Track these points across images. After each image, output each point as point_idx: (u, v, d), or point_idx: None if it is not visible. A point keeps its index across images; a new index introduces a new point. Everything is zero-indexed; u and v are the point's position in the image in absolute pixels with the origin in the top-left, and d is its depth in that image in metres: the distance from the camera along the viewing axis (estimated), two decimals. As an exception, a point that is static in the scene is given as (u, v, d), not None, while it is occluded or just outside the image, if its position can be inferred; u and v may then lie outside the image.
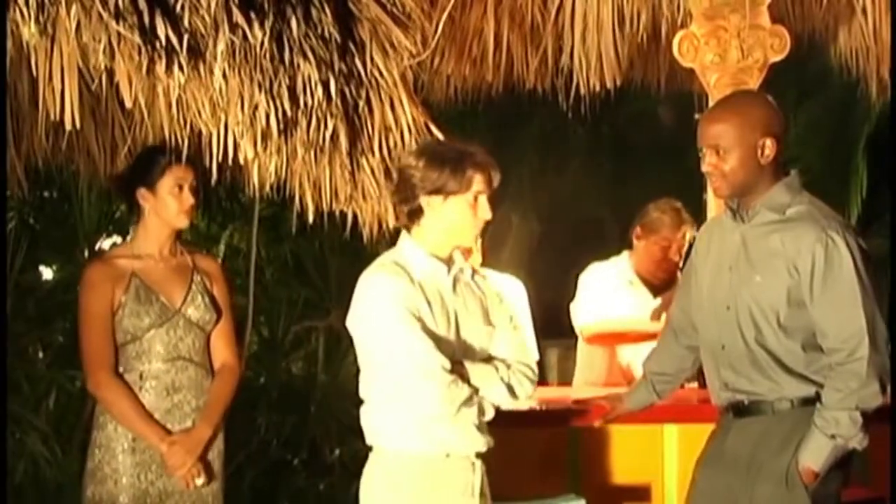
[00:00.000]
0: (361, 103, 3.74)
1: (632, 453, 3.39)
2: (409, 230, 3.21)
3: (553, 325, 5.06)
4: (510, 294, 4.81)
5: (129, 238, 3.84)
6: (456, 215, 3.14)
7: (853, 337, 3.10)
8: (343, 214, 3.88)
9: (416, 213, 3.16)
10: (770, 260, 3.17)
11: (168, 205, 3.72)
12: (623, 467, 3.51)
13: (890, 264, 4.83)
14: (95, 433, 3.68)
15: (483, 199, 3.16)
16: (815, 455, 3.12)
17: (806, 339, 3.16)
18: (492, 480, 3.32)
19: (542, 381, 5.22)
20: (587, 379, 4.99)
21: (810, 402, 3.16)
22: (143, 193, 3.74)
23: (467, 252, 4.48)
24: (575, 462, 4.09)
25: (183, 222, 3.77)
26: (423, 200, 3.14)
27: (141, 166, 3.80)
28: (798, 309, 3.14)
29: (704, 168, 3.24)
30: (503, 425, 3.32)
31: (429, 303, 3.11)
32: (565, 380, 5.17)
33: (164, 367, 3.67)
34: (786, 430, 3.16)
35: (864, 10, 5.26)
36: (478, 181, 3.14)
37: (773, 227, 3.19)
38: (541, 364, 5.19)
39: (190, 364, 3.71)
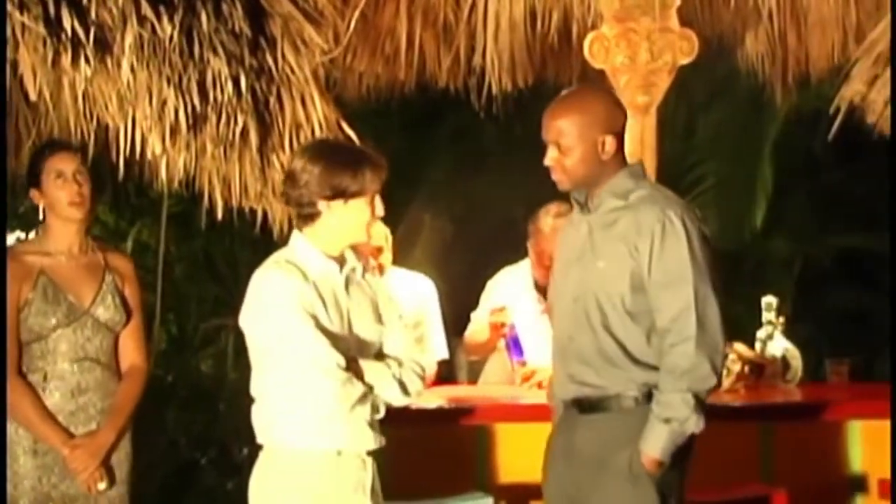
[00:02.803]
0: (272, 99, 3.73)
1: (540, 451, 3.40)
2: (300, 229, 3.17)
3: (464, 324, 5.07)
4: (421, 293, 4.82)
5: (38, 233, 3.72)
6: (356, 216, 3.12)
7: (681, 315, 3.08)
8: (253, 211, 3.86)
9: (312, 216, 3.12)
10: (614, 245, 3.16)
11: (55, 199, 3.57)
12: (531, 465, 3.52)
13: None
14: (-5, 434, 3.59)
15: (377, 198, 3.14)
16: (654, 443, 3.08)
17: (650, 326, 3.15)
18: (400, 478, 3.32)
19: (452, 379, 5.27)
20: (492, 377, 4.99)
21: None
22: (34, 194, 3.61)
23: (377, 251, 4.48)
24: (483, 460, 4.11)
25: (74, 214, 3.59)
26: (322, 205, 3.10)
27: (29, 167, 3.66)
28: (642, 293, 3.13)
29: (546, 162, 3.24)
30: (412, 423, 3.31)
31: (323, 301, 3.09)
32: (476, 379, 5.17)
33: (70, 368, 3.58)
34: (632, 425, 3.12)
35: (770, 16, 5.37)
36: (374, 180, 3.12)
37: (618, 213, 3.18)
38: (451, 363, 5.22)
39: (97, 365, 3.61)
